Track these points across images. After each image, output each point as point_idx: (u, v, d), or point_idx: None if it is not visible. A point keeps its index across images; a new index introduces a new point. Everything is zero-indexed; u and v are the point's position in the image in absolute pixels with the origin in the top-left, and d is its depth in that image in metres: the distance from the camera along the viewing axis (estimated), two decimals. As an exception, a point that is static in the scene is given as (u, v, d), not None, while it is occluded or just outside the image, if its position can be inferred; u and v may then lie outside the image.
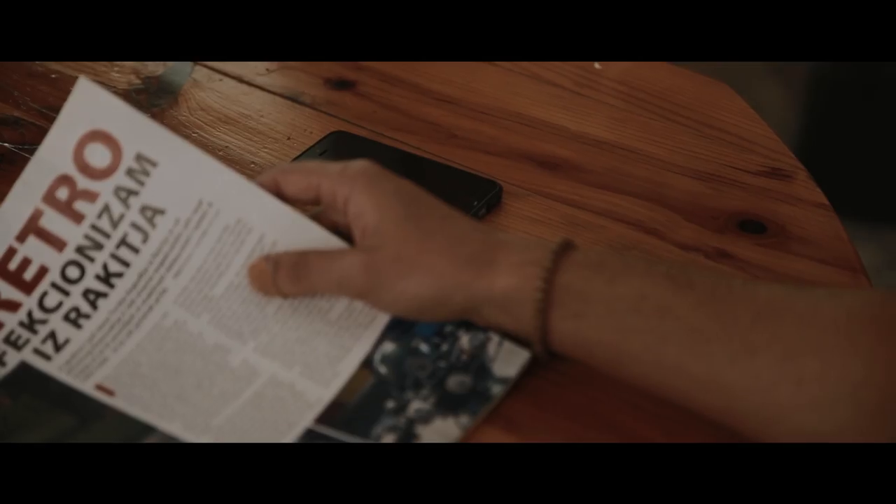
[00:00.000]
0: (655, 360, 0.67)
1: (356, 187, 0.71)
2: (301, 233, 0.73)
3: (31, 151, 0.87)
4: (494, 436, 0.69)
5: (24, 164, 0.85)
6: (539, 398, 0.71)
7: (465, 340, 0.72)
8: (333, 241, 0.72)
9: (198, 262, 0.73)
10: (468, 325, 0.72)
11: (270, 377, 0.71)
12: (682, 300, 0.66)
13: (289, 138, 0.90)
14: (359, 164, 0.72)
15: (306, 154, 0.88)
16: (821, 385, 0.63)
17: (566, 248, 0.69)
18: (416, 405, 0.70)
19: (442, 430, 0.68)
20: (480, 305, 0.70)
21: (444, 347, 0.72)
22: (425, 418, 0.69)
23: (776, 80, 2.08)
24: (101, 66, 0.96)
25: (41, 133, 0.89)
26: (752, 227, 0.83)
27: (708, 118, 0.94)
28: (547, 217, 0.84)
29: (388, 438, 0.68)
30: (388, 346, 0.72)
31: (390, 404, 0.70)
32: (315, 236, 0.73)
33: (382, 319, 0.73)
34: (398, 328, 0.73)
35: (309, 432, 0.69)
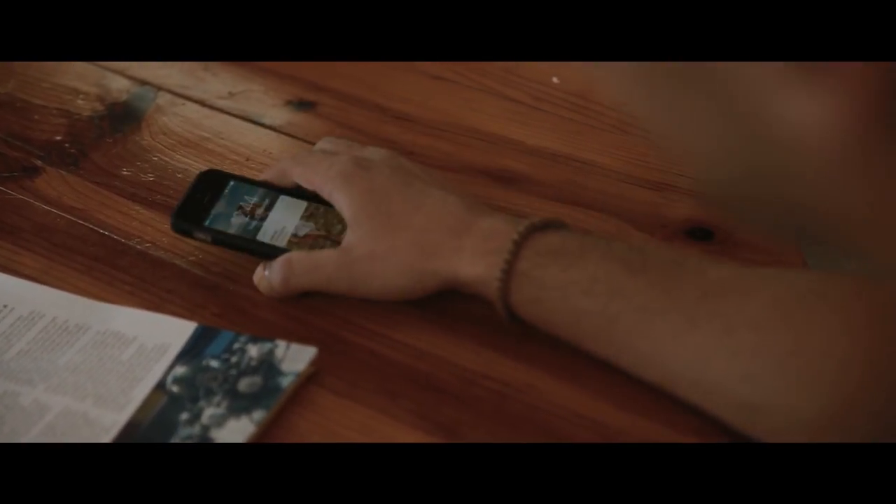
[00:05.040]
0: (606, 339, 0.71)
1: (335, 187, 0.78)
2: (89, 312, 0.78)
3: (-5, 180, 0.89)
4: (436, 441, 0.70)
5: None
6: (479, 407, 0.72)
7: (253, 350, 0.75)
8: (103, 308, 0.78)
9: None
10: (255, 339, 0.75)
11: (63, 409, 0.73)
12: (633, 282, 0.69)
13: (248, 160, 0.92)
14: (340, 163, 0.79)
15: (188, 197, 0.83)
16: (753, 356, 0.66)
17: (530, 233, 0.73)
18: (210, 412, 0.72)
19: (236, 429, 0.71)
20: (454, 285, 0.76)
21: (234, 359, 0.75)
22: (219, 422, 0.71)
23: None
24: (66, 94, 0.98)
25: (5, 162, 0.92)
26: (699, 234, 0.84)
27: (664, 128, 0.95)
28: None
29: None
30: (180, 370, 0.75)
31: (184, 416, 0.72)
32: (97, 308, 0.78)
33: (173, 351, 0.75)
34: (188, 354, 0.75)
35: None
